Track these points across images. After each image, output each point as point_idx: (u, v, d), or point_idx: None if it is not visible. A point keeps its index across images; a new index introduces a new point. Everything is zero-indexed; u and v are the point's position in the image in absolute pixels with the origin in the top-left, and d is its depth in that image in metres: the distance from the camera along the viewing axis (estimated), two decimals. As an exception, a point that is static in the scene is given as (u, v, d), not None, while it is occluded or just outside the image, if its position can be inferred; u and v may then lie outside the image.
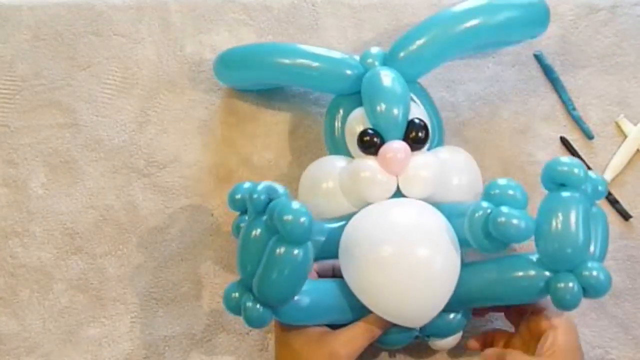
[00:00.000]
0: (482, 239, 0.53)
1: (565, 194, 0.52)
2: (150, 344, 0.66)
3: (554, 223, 0.51)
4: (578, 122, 0.72)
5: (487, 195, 0.54)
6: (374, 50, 0.66)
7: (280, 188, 0.54)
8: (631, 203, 0.69)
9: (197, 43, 0.74)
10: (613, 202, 0.69)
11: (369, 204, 0.60)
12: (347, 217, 0.60)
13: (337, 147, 0.65)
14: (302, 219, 0.49)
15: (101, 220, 0.69)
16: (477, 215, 0.52)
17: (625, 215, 0.69)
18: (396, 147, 0.59)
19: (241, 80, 0.71)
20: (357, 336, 0.56)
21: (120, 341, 0.66)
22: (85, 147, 0.71)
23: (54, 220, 0.69)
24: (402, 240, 0.55)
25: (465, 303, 0.57)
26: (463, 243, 0.57)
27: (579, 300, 0.51)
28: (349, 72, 0.65)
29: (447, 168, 0.61)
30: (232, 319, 0.66)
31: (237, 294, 0.53)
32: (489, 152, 0.71)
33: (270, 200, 0.52)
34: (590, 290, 0.51)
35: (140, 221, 0.69)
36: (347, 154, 0.64)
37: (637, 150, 0.71)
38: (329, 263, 0.61)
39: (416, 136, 0.60)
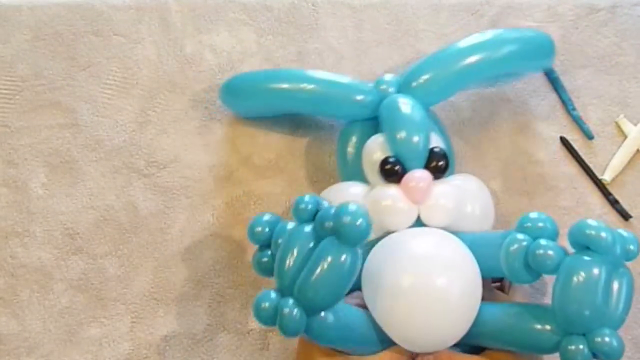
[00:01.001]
0: (519, 269, 0.53)
1: (588, 257, 0.51)
2: (150, 344, 0.66)
3: (573, 285, 0.51)
4: (578, 122, 0.72)
5: (520, 228, 0.54)
6: (388, 77, 0.66)
7: (325, 201, 0.54)
8: (631, 203, 0.69)
9: (197, 43, 0.74)
10: (613, 202, 0.69)
11: (388, 232, 0.59)
12: (367, 245, 0.59)
13: (351, 173, 0.65)
14: (360, 221, 0.49)
15: (101, 220, 0.69)
16: (515, 246, 0.53)
17: (625, 216, 0.69)
18: (419, 175, 0.59)
19: (250, 107, 0.71)
20: None
21: (120, 341, 0.66)
22: (85, 147, 0.71)
23: (54, 220, 0.69)
24: (422, 270, 0.55)
25: (477, 340, 0.57)
26: (485, 272, 0.57)
27: None
28: (363, 98, 0.65)
29: (462, 196, 0.61)
30: (232, 318, 0.66)
31: (271, 303, 0.51)
32: (489, 152, 0.71)
33: (317, 210, 0.53)
34: (602, 356, 0.51)
35: (140, 221, 0.69)
36: (362, 179, 0.63)
37: (637, 150, 0.71)
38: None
39: (437, 165, 0.60)
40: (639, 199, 0.70)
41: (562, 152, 0.71)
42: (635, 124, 0.71)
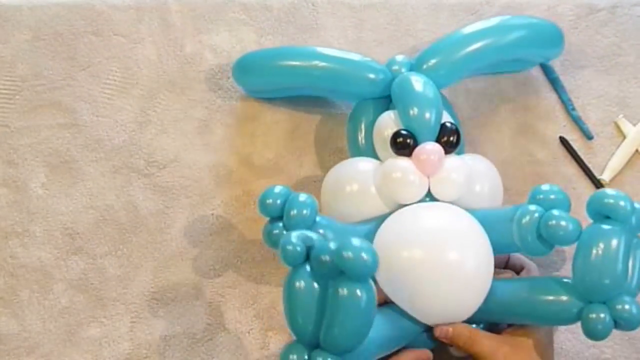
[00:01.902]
0: (532, 241, 0.54)
1: (607, 226, 0.52)
2: (150, 344, 0.66)
3: (594, 254, 0.51)
4: (577, 122, 0.72)
5: (533, 199, 0.56)
6: (400, 57, 0.67)
7: (314, 235, 0.51)
8: (630, 203, 0.69)
9: (197, 43, 0.74)
10: (612, 202, 0.69)
11: (398, 205, 0.60)
12: (376, 220, 0.60)
13: (362, 151, 0.65)
14: (364, 255, 0.47)
15: (101, 220, 0.69)
16: (527, 217, 0.54)
17: (625, 216, 0.69)
18: (430, 148, 0.59)
19: (261, 85, 0.70)
20: None
21: (120, 341, 0.66)
22: (85, 147, 0.71)
23: (54, 220, 0.69)
24: (433, 243, 0.56)
25: (495, 317, 0.58)
26: (497, 249, 0.58)
27: (609, 332, 0.51)
28: (375, 76, 0.65)
29: (472, 173, 0.61)
30: (232, 318, 0.66)
31: (299, 356, 0.49)
32: (489, 152, 0.71)
33: (308, 247, 0.50)
34: (622, 323, 0.51)
35: (140, 221, 0.69)
36: (371, 153, 0.64)
37: (636, 150, 0.71)
38: None
39: (448, 140, 0.60)
40: (638, 199, 0.69)
41: (562, 152, 0.71)
42: (635, 125, 0.71)
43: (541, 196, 0.56)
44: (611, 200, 0.52)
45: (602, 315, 0.51)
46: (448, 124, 0.61)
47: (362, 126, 0.65)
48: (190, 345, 0.66)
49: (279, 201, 0.57)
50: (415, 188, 0.59)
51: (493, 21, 0.68)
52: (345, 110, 0.72)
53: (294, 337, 0.50)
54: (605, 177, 0.70)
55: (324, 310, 0.49)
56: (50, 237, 0.69)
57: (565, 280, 0.55)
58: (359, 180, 0.61)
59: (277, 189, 0.57)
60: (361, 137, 0.65)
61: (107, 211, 0.70)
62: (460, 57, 0.66)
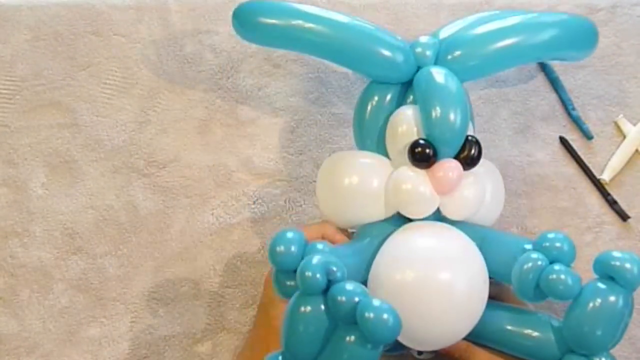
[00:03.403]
0: (528, 288, 0.52)
1: (611, 286, 0.51)
2: (150, 344, 0.66)
3: (592, 309, 0.50)
4: (577, 122, 0.72)
5: (537, 246, 0.53)
6: (425, 39, 0.60)
7: (335, 265, 0.48)
8: (629, 204, 0.69)
9: (197, 43, 0.74)
10: (611, 202, 0.69)
11: (397, 212, 0.57)
12: (370, 235, 0.57)
13: (366, 138, 0.60)
14: (385, 316, 0.45)
15: (101, 220, 0.69)
16: (527, 266, 0.52)
17: (624, 216, 0.69)
18: (451, 166, 0.55)
19: (264, 40, 0.62)
20: None
21: (120, 341, 0.66)
22: (85, 147, 0.71)
23: (54, 220, 0.69)
24: (425, 264, 0.53)
25: (478, 339, 0.56)
26: (492, 274, 0.56)
27: None
28: (396, 57, 0.58)
29: (484, 187, 0.58)
30: (232, 318, 0.66)
31: None
32: (489, 152, 0.71)
33: (329, 281, 0.47)
34: None
35: (140, 221, 0.69)
36: (378, 148, 0.59)
37: (636, 150, 0.71)
38: None
39: (468, 154, 0.56)
40: (638, 199, 0.70)
41: (562, 152, 0.71)
42: (635, 124, 0.71)
43: (547, 244, 0.53)
44: (617, 263, 0.51)
45: None
46: (470, 137, 0.56)
47: (369, 108, 0.60)
48: (190, 345, 0.66)
49: (293, 249, 0.51)
50: (426, 205, 0.56)
51: (525, 16, 0.61)
52: (346, 110, 0.72)
53: (284, 353, 0.49)
54: (605, 177, 0.70)
55: (325, 343, 0.47)
56: (50, 237, 0.69)
57: (553, 320, 0.54)
58: (361, 174, 0.58)
59: (289, 234, 0.51)
60: (367, 122, 0.60)
61: (107, 211, 0.70)
62: (491, 53, 0.60)
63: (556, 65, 0.73)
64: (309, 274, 0.47)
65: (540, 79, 0.74)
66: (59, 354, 0.66)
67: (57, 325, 0.67)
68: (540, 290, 0.52)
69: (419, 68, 0.59)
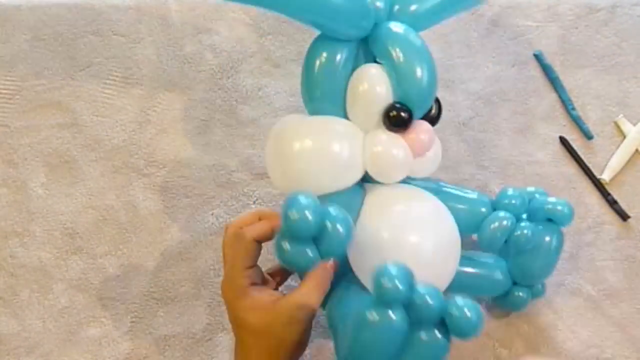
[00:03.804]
0: (497, 245, 0.59)
1: (549, 226, 0.60)
2: (150, 343, 0.66)
3: (537, 248, 0.60)
4: (577, 122, 0.72)
5: (499, 204, 0.60)
6: None
7: (409, 272, 0.47)
8: (629, 203, 0.69)
9: (197, 43, 0.74)
10: (611, 202, 0.69)
11: (357, 179, 0.56)
12: (340, 197, 0.55)
13: (321, 101, 0.56)
14: (471, 314, 0.46)
15: (101, 220, 0.69)
16: (495, 224, 0.59)
17: (624, 216, 0.69)
18: (425, 129, 0.55)
19: None
20: (310, 292, 0.52)
21: (120, 341, 0.66)
22: (85, 147, 0.71)
23: (54, 220, 0.69)
24: (397, 226, 0.54)
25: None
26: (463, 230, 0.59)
27: (527, 304, 0.63)
28: (359, 10, 0.53)
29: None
30: (232, 318, 0.67)
31: None
32: (489, 152, 0.71)
33: (411, 287, 0.47)
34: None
35: (140, 221, 0.69)
36: (335, 109, 0.56)
37: (636, 150, 0.71)
38: None
39: (434, 114, 0.57)
40: (637, 198, 0.70)
41: (562, 152, 0.71)
42: (634, 124, 0.71)
43: (506, 201, 0.60)
44: (550, 207, 0.59)
45: (523, 295, 0.62)
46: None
47: (327, 74, 0.55)
48: (190, 345, 0.66)
49: (310, 217, 0.49)
50: (403, 170, 0.56)
51: None
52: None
53: None
54: (605, 176, 0.70)
55: (400, 350, 0.48)
56: (50, 237, 0.69)
57: (499, 261, 0.62)
58: (326, 140, 0.54)
59: (303, 199, 0.49)
60: (321, 83, 0.56)
61: (107, 211, 0.70)
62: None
63: (556, 65, 0.73)
64: (389, 284, 0.45)
65: (540, 79, 0.74)
66: (59, 354, 0.66)
67: (57, 325, 0.67)
68: (508, 244, 0.59)
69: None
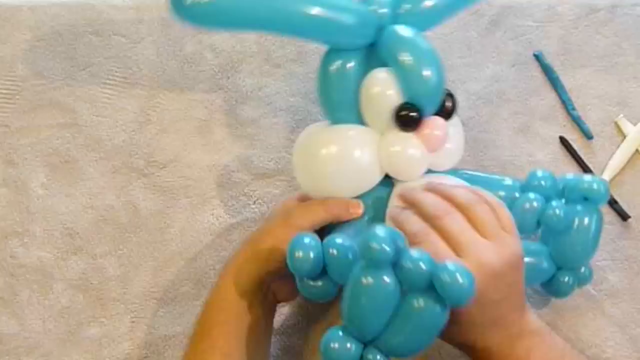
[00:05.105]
0: (530, 226, 0.58)
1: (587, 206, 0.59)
2: (150, 343, 0.66)
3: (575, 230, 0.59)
4: (577, 122, 0.72)
5: (529, 187, 0.60)
6: None
7: (399, 236, 0.47)
8: (630, 203, 0.69)
9: (197, 43, 0.74)
10: (611, 202, 0.69)
11: (382, 178, 0.58)
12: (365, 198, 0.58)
13: (338, 110, 0.59)
14: (462, 279, 0.45)
15: (101, 220, 0.69)
16: (527, 205, 0.58)
17: (624, 216, 0.69)
18: (438, 124, 0.56)
19: (202, 19, 0.55)
20: (315, 210, 0.57)
21: (120, 341, 0.66)
22: (85, 147, 0.71)
23: (54, 220, 0.69)
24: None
25: None
26: None
27: (572, 290, 0.62)
28: (356, 20, 0.55)
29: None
30: (232, 318, 0.67)
31: (350, 346, 0.47)
32: (489, 152, 0.71)
33: (397, 250, 0.46)
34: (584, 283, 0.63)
35: (140, 221, 0.69)
36: (353, 116, 0.58)
37: (636, 150, 0.71)
38: None
39: (448, 108, 0.57)
40: (638, 198, 0.70)
41: (562, 152, 0.71)
42: (635, 124, 0.71)
43: (536, 182, 0.59)
44: (585, 185, 0.59)
45: (569, 280, 0.61)
46: (446, 90, 0.57)
47: (340, 84, 0.58)
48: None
49: (312, 254, 0.52)
50: (420, 167, 0.57)
51: None
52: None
53: (346, 327, 0.48)
54: (605, 177, 0.70)
55: (392, 314, 0.47)
56: (50, 237, 0.69)
57: (541, 247, 0.61)
58: (346, 146, 0.57)
59: (306, 239, 0.52)
60: (341, 97, 0.58)
61: (107, 211, 0.70)
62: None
63: (556, 65, 0.73)
64: (376, 246, 0.45)
65: (540, 79, 0.74)
66: (59, 354, 0.66)
67: (57, 325, 0.67)
68: (539, 225, 0.59)
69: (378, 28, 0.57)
